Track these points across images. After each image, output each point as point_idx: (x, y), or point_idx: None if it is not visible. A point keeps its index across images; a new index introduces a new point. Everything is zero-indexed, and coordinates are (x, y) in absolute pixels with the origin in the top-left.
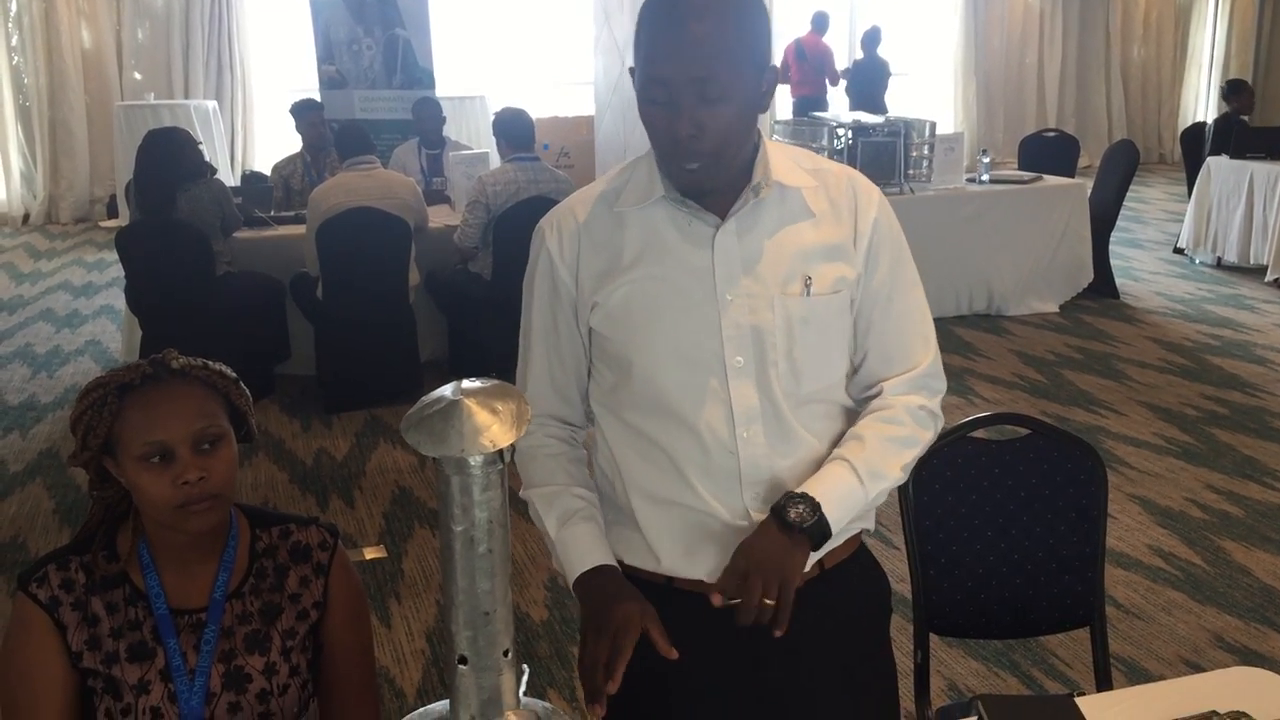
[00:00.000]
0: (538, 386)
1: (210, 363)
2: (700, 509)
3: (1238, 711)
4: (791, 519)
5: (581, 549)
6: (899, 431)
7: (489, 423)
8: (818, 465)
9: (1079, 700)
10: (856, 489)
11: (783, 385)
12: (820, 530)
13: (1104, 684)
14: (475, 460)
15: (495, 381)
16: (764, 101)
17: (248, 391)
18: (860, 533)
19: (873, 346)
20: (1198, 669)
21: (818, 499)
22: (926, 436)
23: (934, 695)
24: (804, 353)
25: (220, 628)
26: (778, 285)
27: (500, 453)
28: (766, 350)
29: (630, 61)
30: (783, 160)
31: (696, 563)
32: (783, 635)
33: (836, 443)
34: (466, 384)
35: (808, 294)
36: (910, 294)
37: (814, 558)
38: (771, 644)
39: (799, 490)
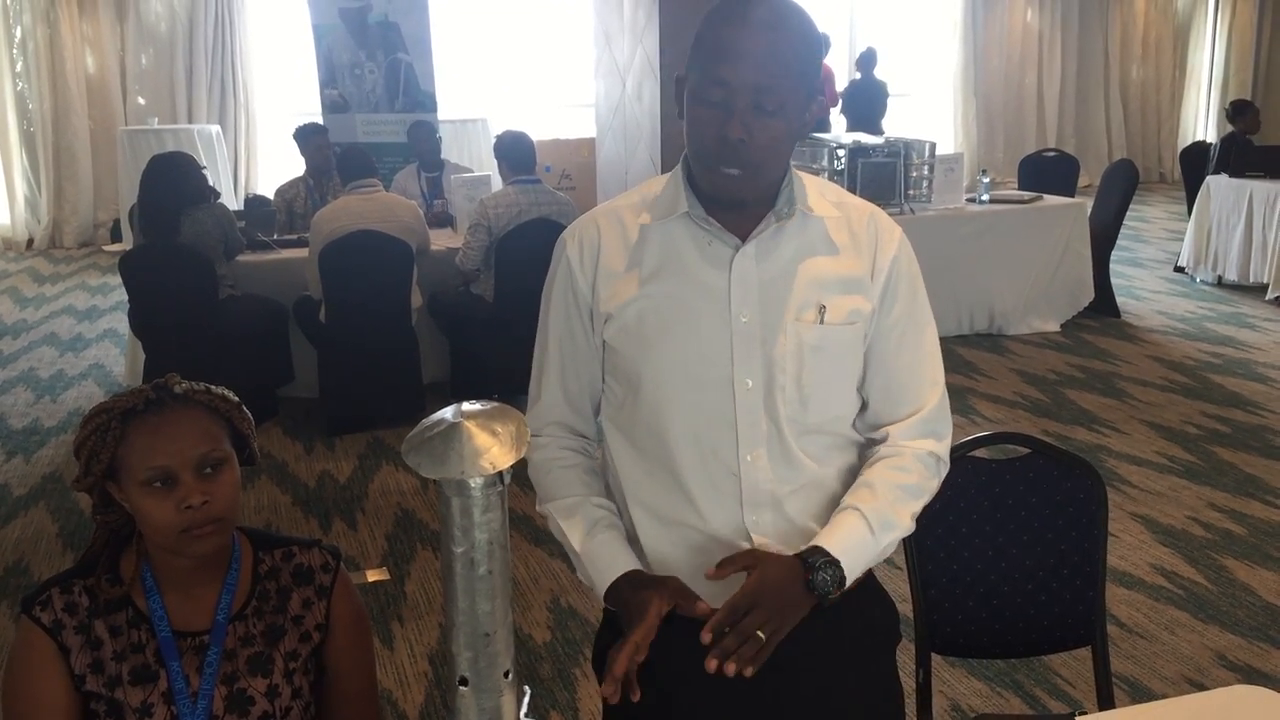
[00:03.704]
0: (551, 397)
1: (213, 387)
2: (701, 529)
3: None
4: (817, 583)
5: (608, 558)
6: (908, 480)
7: (489, 445)
8: (820, 494)
9: (1080, 719)
10: (869, 540)
11: (790, 411)
12: (832, 601)
13: (1106, 703)
14: (475, 482)
15: (495, 404)
16: (806, 129)
17: (250, 415)
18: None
19: (881, 385)
20: (1201, 688)
21: (839, 558)
22: (933, 485)
23: (936, 715)
24: (813, 380)
25: (223, 650)
26: (792, 311)
27: (500, 475)
28: (776, 375)
29: (631, 84)
30: (809, 189)
31: (697, 583)
32: (786, 661)
33: (841, 474)
34: (467, 406)
35: (821, 322)
36: (924, 334)
37: None
38: (774, 670)
39: (826, 549)
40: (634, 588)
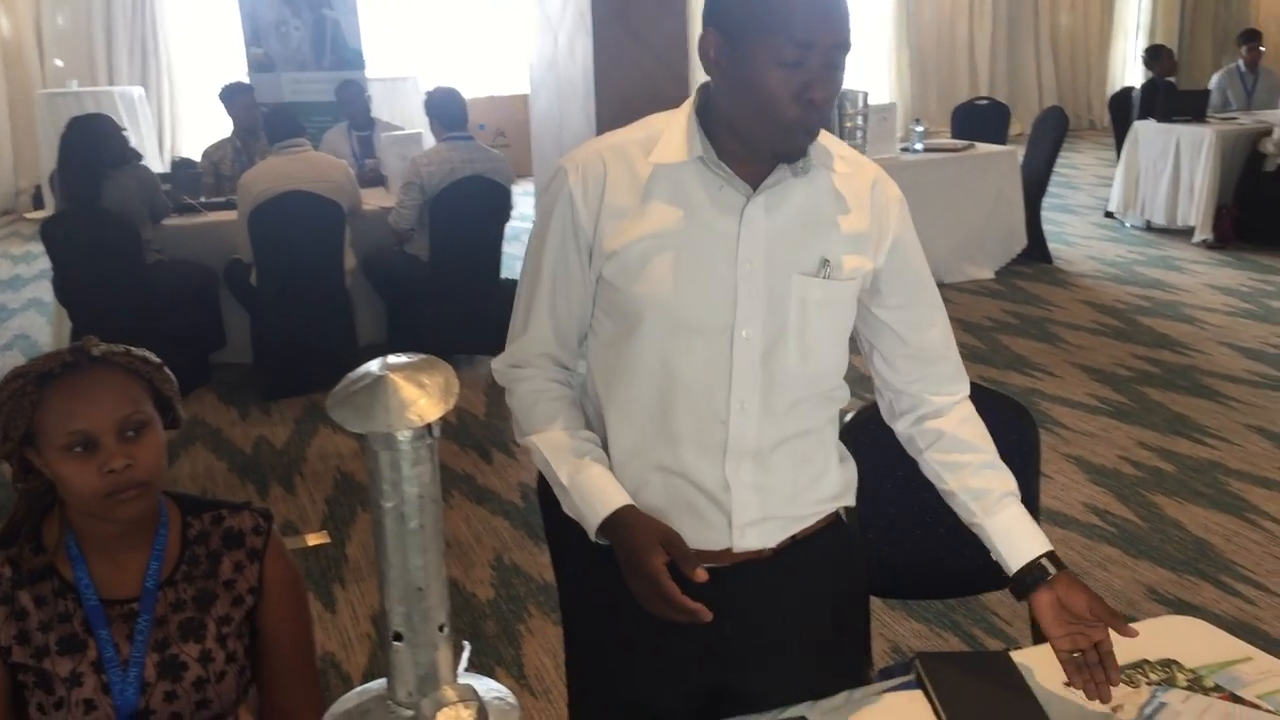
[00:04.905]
0: (540, 327)
1: (132, 349)
2: (680, 474)
3: (1168, 659)
4: None
5: (600, 492)
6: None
7: (416, 397)
8: (801, 448)
9: (1014, 654)
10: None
11: (786, 363)
12: None
13: (1040, 639)
14: (403, 435)
15: (423, 356)
16: None
17: (173, 377)
18: (838, 510)
19: (916, 353)
20: (1132, 621)
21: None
22: None
23: (877, 657)
24: (814, 334)
25: (153, 617)
26: (798, 264)
27: (429, 427)
28: (777, 326)
29: (564, 39)
30: (821, 142)
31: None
32: (748, 604)
33: (821, 429)
34: (392, 359)
35: (826, 276)
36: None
37: (788, 532)
38: (737, 612)
39: (1053, 552)
40: (633, 527)
